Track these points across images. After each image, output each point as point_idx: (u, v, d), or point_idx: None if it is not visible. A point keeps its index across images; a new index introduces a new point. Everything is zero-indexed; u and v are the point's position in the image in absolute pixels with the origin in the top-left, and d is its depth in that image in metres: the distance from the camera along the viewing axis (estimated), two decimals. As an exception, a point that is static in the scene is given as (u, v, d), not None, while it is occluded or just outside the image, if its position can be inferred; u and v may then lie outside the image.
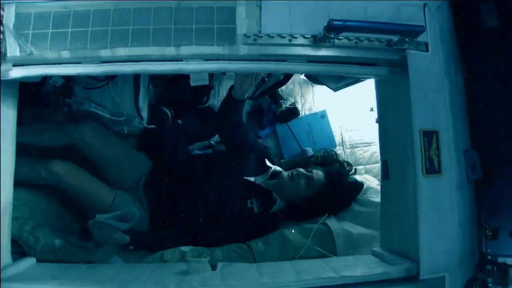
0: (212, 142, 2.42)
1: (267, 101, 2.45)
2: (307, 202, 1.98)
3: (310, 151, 2.41)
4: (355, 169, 2.21)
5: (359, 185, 2.12)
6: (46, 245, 1.68)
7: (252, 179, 2.07)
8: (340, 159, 2.27)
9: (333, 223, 1.85)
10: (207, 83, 1.45)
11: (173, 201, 1.91)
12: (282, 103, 2.47)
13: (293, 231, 1.78)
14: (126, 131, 1.97)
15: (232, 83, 1.92)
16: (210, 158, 2.23)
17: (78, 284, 1.24)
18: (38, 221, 1.73)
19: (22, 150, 1.49)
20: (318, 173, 2.01)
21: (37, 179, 1.81)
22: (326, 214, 1.93)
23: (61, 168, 1.79)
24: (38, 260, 1.50)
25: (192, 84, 1.43)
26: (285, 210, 2.04)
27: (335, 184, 2.01)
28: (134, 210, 1.80)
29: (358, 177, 2.23)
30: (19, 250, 1.64)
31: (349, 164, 2.20)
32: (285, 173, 2.02)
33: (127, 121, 1.88)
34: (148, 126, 1.99)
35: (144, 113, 1.92)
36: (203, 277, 1.30)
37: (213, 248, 1.72)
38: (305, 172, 2.01)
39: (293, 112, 2.47)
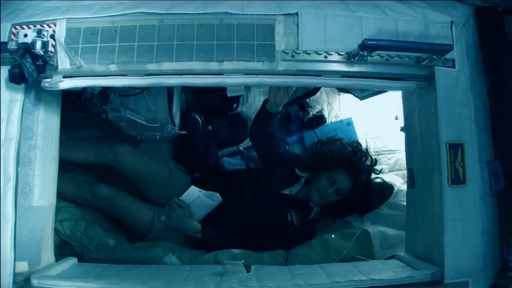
0: (241, 148, 2.59)
1: (295, 109, 2.61)
2: (340, 203, 2.19)
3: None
4: (375, 159, 2.36)
5: (388, 187, 2.28)
6: (100, 244, 1.87)
7: (287, 191, 2.24)
8: (349, 145, 2.36)
9: (369, 227, 2.04)
10: (243, 93, 1.59)
11: (213, 216, 2.05)
12: (310, 111, 2.63)
13: (333, 236, 1.94)
14: (158, 137, 2.15)
15: (260, 90, 2.08)
16: (246, 174, 2.38)
17: (125, 283, 1.40)
18: (89, 221, 1.92)
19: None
20: (342, 178, 2.17)
21: (80, 199, 2.04)
22: (356, 214, 2.19)
23: (105, 192, 2.01)
24: (79, 260, 1.68)
25: (228, 95, 1.57)
26: (321, 212, 2.23)
27: (362, 183, 2.20)
28: (217, 194, 1.98)
29: (385, 178, 2.39)
30: (68, 252, 1.80)
31: (358, 147, 2.34)
32: (315, 196, 2.18)
33: (161, 127, 2.04)
34: (180, 132, 2.16)
35: (177, 120, 2.09)
36: (240, 279, 1.46)
37: (262, 253, 1.88)
38: (332, 187, 2.16)
39: (320, 119, 2.63)
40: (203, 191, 1.96)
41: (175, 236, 2.03)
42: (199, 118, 2.27)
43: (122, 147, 2.10)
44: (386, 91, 2.10)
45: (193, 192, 1.93)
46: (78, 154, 2.08)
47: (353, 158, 2.26)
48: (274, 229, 2.06)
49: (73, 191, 2.03)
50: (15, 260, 1.35)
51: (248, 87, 2.53)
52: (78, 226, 1.90)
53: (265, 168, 2.34)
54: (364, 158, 2.29)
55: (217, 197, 1.99)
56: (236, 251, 1.86)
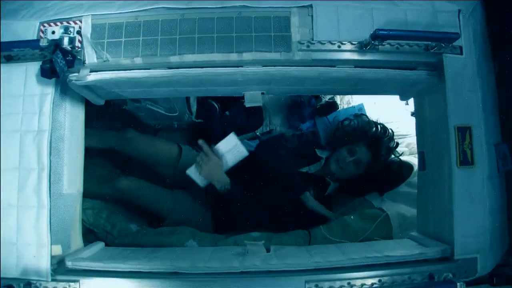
0: (258, 133, 2.73)
1: (308, 96, 2.73)
2: (358, 179, 2.33)
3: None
4: (397, 142, 2.48)
5: (408, 166, 2.40)
6: (122, 229, 2.01)
7: (306, 169, 2.38)
8: (373, 123, 2.50)
9: (388, 207, 2.15)
10: (260, 104, 1.70)
11: (233, 197, 2.15)
12: (322, 97, 2.77)
13: (352, 217, 2.07)
14: (176, 125, 2.29)
15: None
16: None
17: (154, 263, 1.55)
18: (111, 210, 2.07)
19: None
20: (362, 150, 2.33)
21: (104, 196, 2.19)
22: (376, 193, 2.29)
23: (125, 185, 2.16)
24: (106, 245, 1.83)
25: (246, 105, 1.70)
26: (339, 188, 2.37)
27: (381, 156, 2.36)
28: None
29: (404, 158, 2.52)
30: (93, 239, 1.92)
31: (383, 127, 2.47)
32: (333, 165, 2.34)
33: (179, 116, 2.19)
34: (196, 120, 2.30)
35: (194, 108, 2.23)
36: (261, 257, 1.60)
37: (281, 234, 2.02)
38: (351, 157, 2.32)
39: (332, 105, 2.79)
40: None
41: (194, 220, 2.17)
42: (216, 105, 2.42)
43: (129, 133, 2.26)
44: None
45: (232, 139, 2.03)
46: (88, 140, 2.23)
47: (375, 133, 2.41)
48: (292, 209, 2.19)
49: (94, 189, 2.17)
50: (51, 244, 1.51)
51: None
52: (100, 213, 2.05)
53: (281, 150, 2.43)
54: (386, 136, 2.43)
55: (247, 144, 2.11)
56: (255, 234, 1.99)
